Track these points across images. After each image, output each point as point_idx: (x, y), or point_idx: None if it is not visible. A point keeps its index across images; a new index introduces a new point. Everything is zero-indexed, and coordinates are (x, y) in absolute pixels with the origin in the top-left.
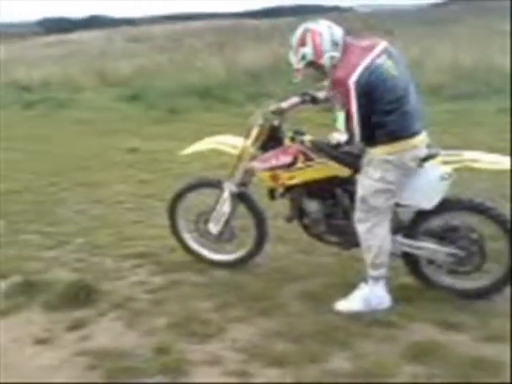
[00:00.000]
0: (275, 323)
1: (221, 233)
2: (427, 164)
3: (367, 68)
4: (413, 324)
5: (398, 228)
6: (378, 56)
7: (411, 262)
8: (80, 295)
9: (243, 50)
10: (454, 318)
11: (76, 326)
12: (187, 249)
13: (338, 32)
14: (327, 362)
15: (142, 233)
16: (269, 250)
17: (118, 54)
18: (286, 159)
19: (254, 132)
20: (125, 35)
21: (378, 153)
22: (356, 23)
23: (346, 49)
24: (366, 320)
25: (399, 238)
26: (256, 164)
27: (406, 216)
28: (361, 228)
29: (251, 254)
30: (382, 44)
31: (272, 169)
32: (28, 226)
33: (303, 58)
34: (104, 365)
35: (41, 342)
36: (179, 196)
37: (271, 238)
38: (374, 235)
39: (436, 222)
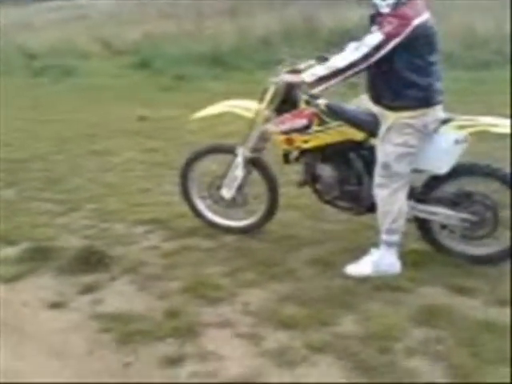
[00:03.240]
0: (285, 287)
1: (233, 198)
2: (442, 129)
3: (427, 20)
4: (421, 288)
5: (411, 193)
6: (430, 18)
7: (424, 227)
8: (92, 260)
9: (255, 16)
10: (463, 282)
11: (88, 289)
12: (199, 214)
13: None
14: (336, 325)
15: (153, 199)
16: (279, 217)
17: (125, 19)
18: (301, 122)
19: (269, 93)
20: (132, 0)
21: (401, 117)
22: None
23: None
24: (375, 284)
25: (412, 203)
26: (271, 127)
27: (418, 181)
28: (382, 193)
29: (263, 221)
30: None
31: (287, 132)
32: (39, 194)
33: None
34: (116, 328)
35: (53, 305)
36: (192, 162)
37: (281, 204)
38: (395, 200)
39: (450, 188)
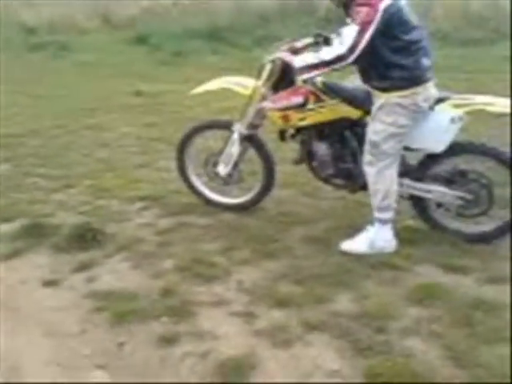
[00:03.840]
0: (281, 265)
1: (229, 175)
2: (438, 107)
3: (394, 3)
4: (417, 266)
5: (407, 171)
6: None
7: (419, 204)
8: (86, 237)
9: None
10: (457, 260)
11: (83, 267)
12: (195, 191)
13: None
14: (332, 304)
15: (148, 176)
16: (275, 194)
17: None
18: (298, 100)
19: (266, 70)
20: None
21: (391, 96)
22: None
23: None
24: (371, 262)
25: (407, 181)
26: (267, 104)
27: (414, 159)
28: (370, 171)
29: (258, 198)
30: None
31: (283, 109)
32: (34, 170)
33: None
34: (110, 307)
35: (48, 283)
36: (188, 137)
37: (277, 182)
38: (383, 178)
39: (446, 166)
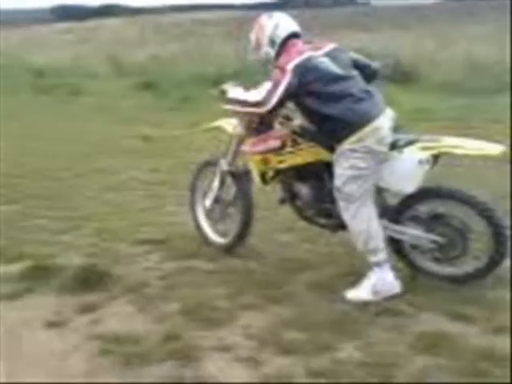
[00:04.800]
0: (286, 311)
1: (211, 209)
2: (407, 149)
3: (308, 59)
4: (422, 314)
5: (384, 212)
6: (321, 54)
7: (396, 246)
8: (92, 279)
9: None
10: (462, 308)
11: (88, 309)
12: (197, 226)
13: (284, 31)
14: (337, 351)
15: (154, 219)
16: (278, 238)
17: (131, 42)
18: (275, 143)
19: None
20: (138, 24)
21: (342, 145)
22: (371, 18)
23: (289, 45)
24: (375, 309)
25: (385, 222)
26: (247, 148)
27: (393, 201)
28: (345, 216)
29: (236, 241)
30: (330, 46)
31: (262, 153)
32: (42, 211)
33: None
34: (115, 350)
35: (52, 325)
36: (196, 173)
37: (278, 226)
38: (358, 221)
39: (422, 209)
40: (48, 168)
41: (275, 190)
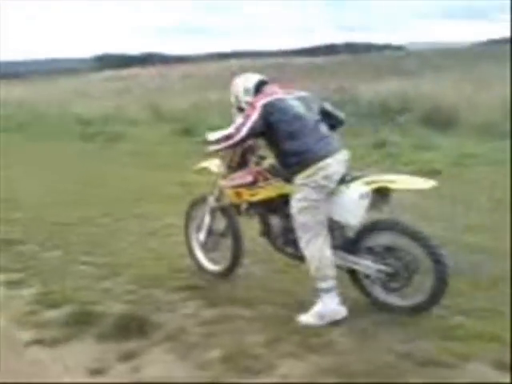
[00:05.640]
0: (326, 360)
1: (205, 242)
2: (352, 184)
3: (277, 100)
4: (466, 364)
5: (342, 243)
6: (292, 97)
7: (353, 276)
8: (132, 326)
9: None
10: (507, 357)
11: (128, 356)
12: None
13: (254, 79)
14: None
15: (192, 266)
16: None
17: (171, 90)
18: (248, 179)
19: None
20: (179, 72)
21: (297, 178)
22: (407, 61)
23: (265, 89)
24: (419, 359)
25: (341, 253)
26: (223, 182)
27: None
28: (300, 244)
29: (229, 269)
30: (300, 93)
31: (236, 187)
32: (83, 257)
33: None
34: None
35: (93, 372)
36: (189, 210)
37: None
38: (310, 249)
39: (375, 240)
40: (89, 213)
41: None
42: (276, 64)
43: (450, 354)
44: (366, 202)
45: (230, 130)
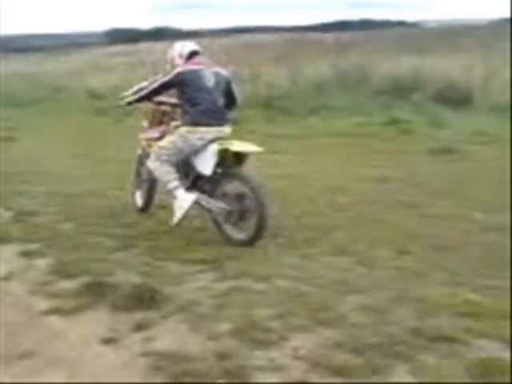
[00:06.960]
0: (337, 334)
1: (135, 182)
2: (212, 144)
3: (192, 70)
4: (478, 340)
5: (204, 189)
6: (207, 71)
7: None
8: (145, 297)
9: (308, 62)
10: None
11: (140, 327)
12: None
13: (188, 48)
14: (389, 375)
15: (207, 239)
16: (329, 261)
17: None
18: (156, 134)
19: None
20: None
21: (182, 128)
22: (422, 39)
23: (193, 58)
24: (430, 334)
25: (202, 196)
26: (140, 135)
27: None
28: (150, 168)
29: (147, 205)
30: (218, 69)
31: (147, 139)
32: (96, 229)
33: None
34: (167, 367)
35: (107, 341)
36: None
37: (332, 248)
38: (157, 170)
39: (224, 188)
40: (103, 186)
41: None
42: (290, 39)
43: (461, 331)
44: (215, 159)
45: (145, 83)
